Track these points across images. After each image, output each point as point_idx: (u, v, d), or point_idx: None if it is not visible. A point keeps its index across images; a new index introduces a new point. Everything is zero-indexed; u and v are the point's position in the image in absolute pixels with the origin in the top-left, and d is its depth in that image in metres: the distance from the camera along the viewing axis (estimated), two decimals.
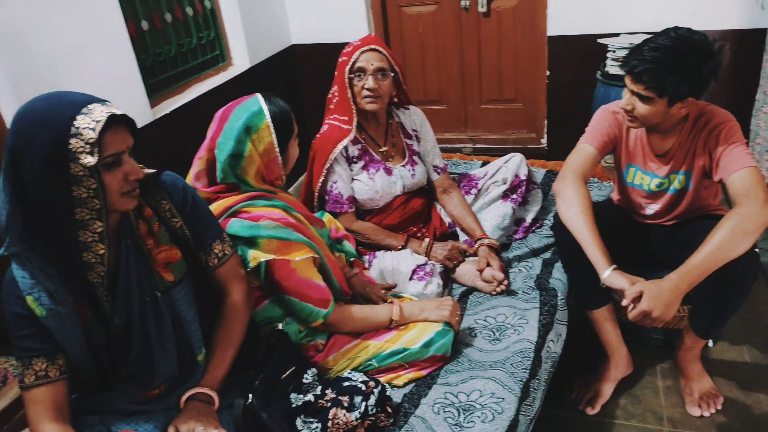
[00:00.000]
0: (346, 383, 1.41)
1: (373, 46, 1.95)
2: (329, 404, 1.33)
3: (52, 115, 1.04)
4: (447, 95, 3.73)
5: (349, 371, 1.51)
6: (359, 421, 1.33)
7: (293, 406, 1.34)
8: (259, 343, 1.48)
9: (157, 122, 2.50)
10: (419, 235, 2.09)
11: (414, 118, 2.16)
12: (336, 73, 2.00)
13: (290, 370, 1.42)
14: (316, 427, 1.30)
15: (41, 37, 1.96)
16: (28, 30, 1.92)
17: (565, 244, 1.79)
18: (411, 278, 1.84)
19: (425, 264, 1.90)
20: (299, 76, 3.79)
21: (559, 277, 1.87)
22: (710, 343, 2.05)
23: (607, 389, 1.87)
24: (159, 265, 1.25)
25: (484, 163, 2.58)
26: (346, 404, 1.33)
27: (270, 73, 3.45)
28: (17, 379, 1.21)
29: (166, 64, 2.71)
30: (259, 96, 1.52)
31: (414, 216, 2.10)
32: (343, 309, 1.59)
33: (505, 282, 1.86)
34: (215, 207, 1.49)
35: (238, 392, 1.34)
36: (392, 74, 1.99)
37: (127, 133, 1.13)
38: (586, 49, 3.08)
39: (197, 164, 1.55)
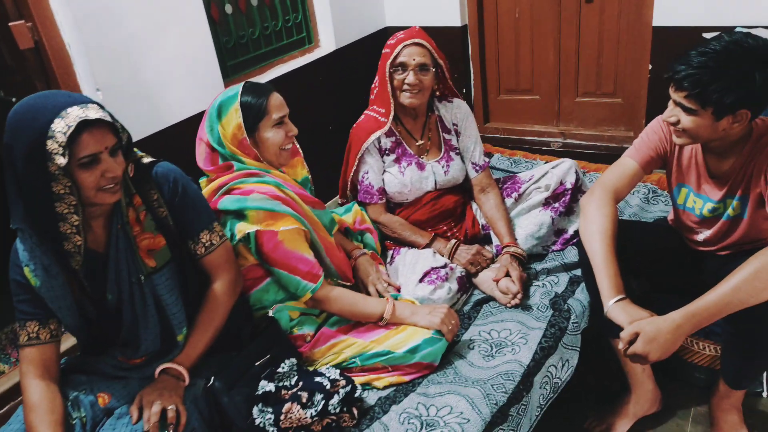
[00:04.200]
0: (318, 378, 1.43)
1: (416, 40, 1.90)
2: (288, 398, 1.37)
3: (34, 117, 1.15)
4: (540, 85, 3.51)
5: (327, 367, 1.53)
6: (315, 419, 1.35)
7: (256, 393, 1.39)
8: (245, 327, 1.55)
9: None
10: (449, 234, 2.03)
11: (456, 111, 2.07)
12: (379, 64, 1.99)
13: (265, 358, 1.47)
14: (270, 418, 1.34)
15: (117, 19, 2.15)
16: (104, 12, 2.10)
17: (587, 264, 1.64)
18: (421, 280, 1.80)
19: (442, 267, 1.84)
20: None
21: (580, 298, 1.73)
22: (764, 393, 1.78)
23: (622, 426, 1.71)
24: (142, 251, 1.35)
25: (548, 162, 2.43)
26: (304, 400, 1.36)
27: (359, 55, 3.48)
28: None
29: (249, 45, 2.84)
30: (244, 83, 1.59)
31: (444, 214, 2.04)
32: (334, 288, 1.61)
33: (519, 295, 1.75)
34: (210, 186, 1.57)
35: (213, 372, 1.42)
36: (434, 69, 1.93)
37: (108, 133, 1.21)
38: (693, 43, 2.72)
39: (200, 148, 1.62)
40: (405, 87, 1.92)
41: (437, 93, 2.07)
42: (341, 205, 2.15)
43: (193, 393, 1.34)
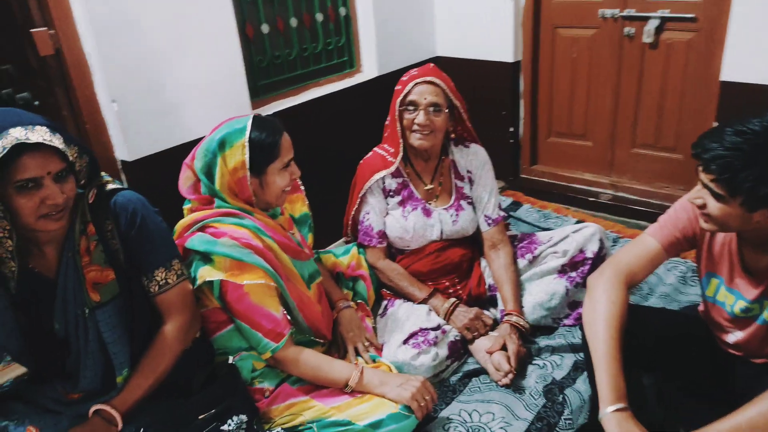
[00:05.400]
0: None
1: (429, 78, 1.75)
2: None
3: None
4: (594, 132, 3.27)
5: (280, 429, 1.39)
6: None
7: None
8: (197, 374, 1.43)
9: None
10: (451, 291, 1.86)
11: (472, 158, 1.90)
12: (391, 101, 1.85)
13: (211, 411, 1.35)
14: None
15: (140, 32, 2.12)
16: (126, 24, 2.08)
17: (588, 351, 1.42)
18: (406, 341, 1.63)
19: (433, 329, 1.66)
20: None
21: (581, 389, 1.51)
22: None
23: None
24: (88, 283, 1.27)
25: (579, 222, 2.21)
26: None
27: None
28: None
29: (284, 66, 2.78)
30: (253, 115, 1.47)
31: (448, 267, 1.86)
32: (297, 350, 1.47)
33: (511, 374, 1.55)
34: (186, 219, 1.47)
35: (149, 421, 1.31)
36: (448, 110, 1.77)
37: (54, 158, 1.13)
38: (763, 102, 2.44)
39: (186, 174, 1.52)
40: (415, 127, 1.77)
41: (453, 135, 1.90)
42: (347, 243, 2.02)
43: None
